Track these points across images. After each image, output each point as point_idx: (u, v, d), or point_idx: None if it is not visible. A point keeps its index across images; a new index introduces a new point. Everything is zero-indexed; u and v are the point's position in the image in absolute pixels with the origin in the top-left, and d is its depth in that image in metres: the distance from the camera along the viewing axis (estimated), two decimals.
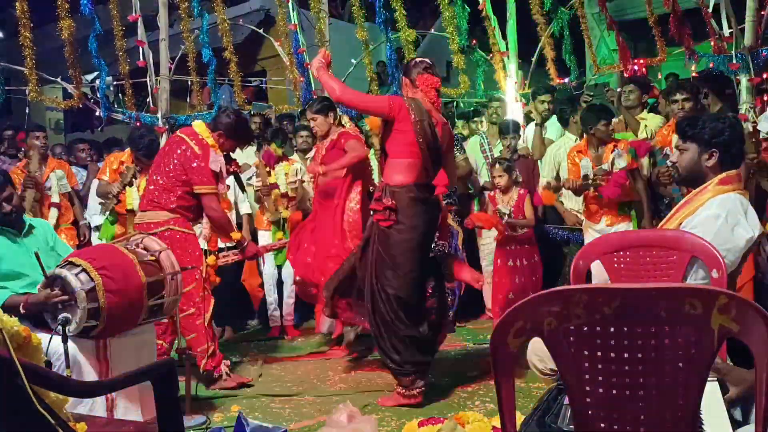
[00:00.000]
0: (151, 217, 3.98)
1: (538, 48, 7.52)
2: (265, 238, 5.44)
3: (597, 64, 7.74)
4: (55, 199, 5.55)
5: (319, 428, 3.21)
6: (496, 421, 3.05)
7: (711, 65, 5.63)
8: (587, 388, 1.39)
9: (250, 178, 5.39)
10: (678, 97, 4.59)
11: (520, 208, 5.10)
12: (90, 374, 2.94)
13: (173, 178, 3.97)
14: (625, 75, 6.65)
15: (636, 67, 6.77)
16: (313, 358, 4.81)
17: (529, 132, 5.90)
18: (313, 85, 7.75)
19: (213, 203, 3.99)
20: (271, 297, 5.54)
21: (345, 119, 4.88)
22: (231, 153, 4.22)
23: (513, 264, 5.13)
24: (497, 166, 5.17)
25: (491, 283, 5.27)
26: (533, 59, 7.76)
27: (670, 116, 4.86)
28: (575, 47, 7.64)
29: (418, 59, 3.92)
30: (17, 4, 6.65)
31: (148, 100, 7.73)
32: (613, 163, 4.54)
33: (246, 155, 5.80)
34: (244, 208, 5.57)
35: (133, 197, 4.92)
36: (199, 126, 4.11)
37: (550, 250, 5.32)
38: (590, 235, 4.60)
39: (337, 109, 4.75)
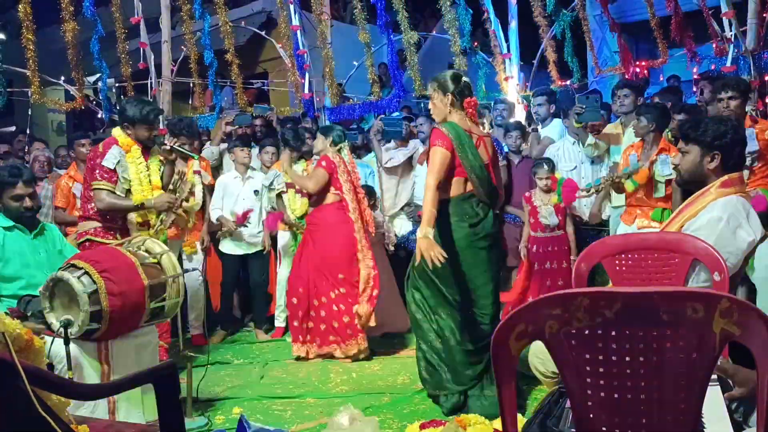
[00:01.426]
0: (78, 228, 4.00)
1: (540, 50, 7.53)
2: (285, 238, 5.41)
3: (599, 66, 7.75)
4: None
5: (320, 430, 3.21)
6: (498, 424, 3.04)
7: (712, 67, 5.62)
8: (589, 392, 1.39)
9: (272, 183, 5.34)
10: (723, 95, 4.34)
11: (561, 209, 5.02)
12: (92, 376, 2.94)
13: (87, 184, 3.97)
14: (626, 77, 6.65)
15: (638, 69, 6.78)
16: (315, 360, 4.80)
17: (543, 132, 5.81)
18: (306, 88, 7.73)
19: (100, 195, 3.86)
20: (282, 299, 5.45)
21: (345, 150, 4.90)
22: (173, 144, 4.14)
23: (540, 267, 5.05)
24: (544, 167, 5.05)
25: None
26: (535, 61, 7.77)
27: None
28: (577, 49, 7.63)
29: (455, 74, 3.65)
30: (20, 6, 6.66)
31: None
32: (651, 166, 4.47)
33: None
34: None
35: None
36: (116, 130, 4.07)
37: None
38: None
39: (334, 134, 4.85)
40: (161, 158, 4.15)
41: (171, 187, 4.12)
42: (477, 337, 3.51)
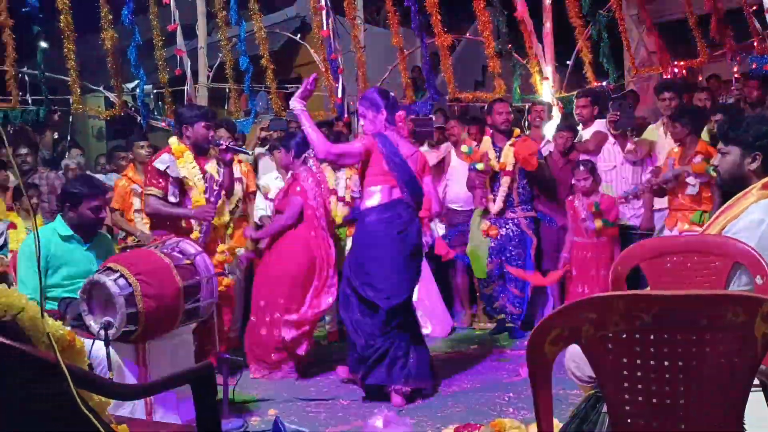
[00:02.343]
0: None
1: (575, 51, 7.45)
2: None
3: (635, 67, 7.63)
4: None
5: None
6: (534, 429, 3.02)
7: (753, 66, 5.49)
8: (626, 396, 1.37)
9: None
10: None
11: (605, 212, 4.91)
12: (129, 377, 3.00)
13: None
14: (664, 77, 6.54)
15: (676, 69, 6.66)
16: None
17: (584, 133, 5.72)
18: (340, 92, 7.79)
19: (148, 200, 3.98)
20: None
21: (311, 160, 4.69)
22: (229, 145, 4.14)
23: (579, 273, 4.97)
24: (580, 168, 4.96)
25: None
26: (570, 62, 7.68)
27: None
28: (613, 50, 7.53)
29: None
30: (61, 17, 6.84)
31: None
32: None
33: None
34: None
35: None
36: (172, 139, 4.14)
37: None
38: None
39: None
40: (219, 160, 4.16)
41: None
42: None
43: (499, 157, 5.08)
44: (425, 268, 5.49)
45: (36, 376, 1.61)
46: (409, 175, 3.85)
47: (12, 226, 4.58)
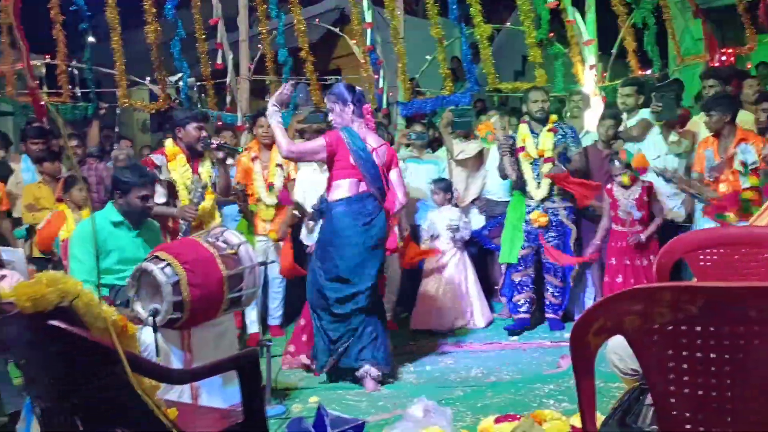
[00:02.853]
0: None
1: (618, 39, 7.31)
2: None
3: (681, 55, 7.45)
4: None
5: (395, 421, 3.24)
6: (575, 420, 3.00)
7: None
8: (672, 389, 1.36)
9: None
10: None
11: (644, 202, 4.79)
12: (175, 363, 3.08)
13: None
14: (711, 65, 6.38)
15: (723, 57, 6.49)
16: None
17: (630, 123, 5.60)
18: (381, 83, 7.81)
19: None
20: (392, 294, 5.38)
21: None
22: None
23: (627, 264, 4.81)
24: (616, 163, 4.86)
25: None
26: (613, 51, 7.55)
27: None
28: (657, 37, 7.36)
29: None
30: (107, 11, 6.99)
31: (228, 99, 7.99)
32: (732, 158, 4.30)
33: None
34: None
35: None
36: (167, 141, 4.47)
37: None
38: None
39: None
40: (213, 159, 4.40)
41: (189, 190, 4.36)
42: None
43: (537, 145, 5.03)
44: (466, 260, 5.52)
45: (91, 360, 1.67)
46: (374, 168, 4.00)
47: (61, 215, 4.72)
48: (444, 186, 5.51)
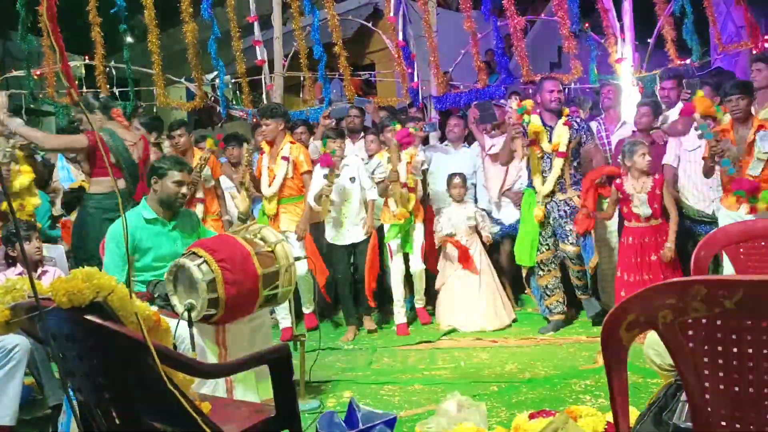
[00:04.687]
0: None
1: (657, 27, 7.14)
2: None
3: (722, 43, 7.24)
4: (200, 194, 5.46)
5: (428, 416, 3.24)
6: (611, 417, 2.95)
7: None
8: (707, 385, 1.33)
9: (373, 171, 5.39)
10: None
11: (656, 195, 4.63)
12: (210, 358, 3.12)
13: None
14: (754, 53, 6.19)
15: (767, 45, 6.30)
16: (424, 348, 4.85)
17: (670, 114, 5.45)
18: (416, 77, 7.79)
19: None
20: (399, 294, 5.32)
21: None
22: None
23: (641, 259, 4.65)
24: (637, 149, 4.65)
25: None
26: (651, 40, 7.37)
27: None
28: (697, 25, 7.17)
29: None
30: (146, 12, 7.12)
31: (263, 96, 8.06)
32: (751, 145, 4.15)
33: (358, 148, 5.88)
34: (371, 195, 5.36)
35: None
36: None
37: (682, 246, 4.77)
38: (726, 223, 4.19)
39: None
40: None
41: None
42: None
43: (551, 138, 4.89)
44: (483, 263, 5.42)
45: (126, 354, 1.71)
46: (131, 163, 4.57)
47: None
48: (460, 181, 5.45)
